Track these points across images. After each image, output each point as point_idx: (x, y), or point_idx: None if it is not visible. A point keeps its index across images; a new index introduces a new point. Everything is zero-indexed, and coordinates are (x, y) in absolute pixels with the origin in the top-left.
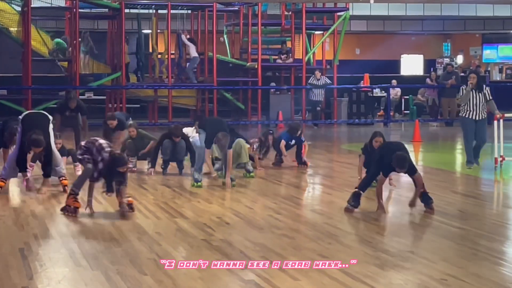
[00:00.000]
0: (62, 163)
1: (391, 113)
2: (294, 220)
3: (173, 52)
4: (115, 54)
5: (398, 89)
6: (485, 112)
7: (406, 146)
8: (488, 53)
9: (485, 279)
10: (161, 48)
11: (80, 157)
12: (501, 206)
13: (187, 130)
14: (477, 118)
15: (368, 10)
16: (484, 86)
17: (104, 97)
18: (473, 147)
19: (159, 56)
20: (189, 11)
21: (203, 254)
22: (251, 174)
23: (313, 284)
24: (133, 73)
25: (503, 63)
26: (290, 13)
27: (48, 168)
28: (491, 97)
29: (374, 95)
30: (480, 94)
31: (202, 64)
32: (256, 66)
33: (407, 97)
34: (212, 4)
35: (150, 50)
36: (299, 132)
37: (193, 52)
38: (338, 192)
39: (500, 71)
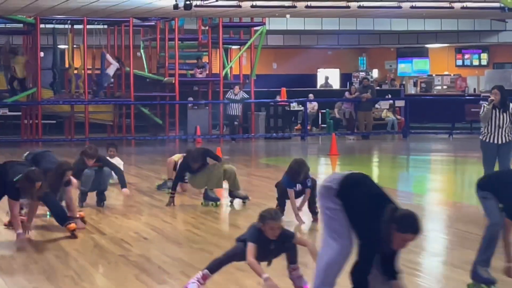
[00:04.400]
0: None
1: (308, 127)
2: (213, 235)
3: (90, 67)
4: (29, 69)
5: (315, 103)
6: (510, 134)
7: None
8: (403, 67)
9: None
10: (77, 63)
11: None
12: None
13: None
14: (499, 142)
15: (284, 25)
16: (510, 104)
17: (20, 113)
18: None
19: (76, 71)
20: (106, 26)
21: (121, 270)
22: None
23: None
24: (48, 88)
25: (418, 76)
26: (207, 28)
27: None
28: None
29: (291, 109)
30: (504, 114)
31: (119, 79)
32: (173, 81)
33: (324, 111)
34: (128, 19)
35: (66, 65)
36: (302, 175)
37: (111, 70)
38: (256, 206)
39: (415, 84)
